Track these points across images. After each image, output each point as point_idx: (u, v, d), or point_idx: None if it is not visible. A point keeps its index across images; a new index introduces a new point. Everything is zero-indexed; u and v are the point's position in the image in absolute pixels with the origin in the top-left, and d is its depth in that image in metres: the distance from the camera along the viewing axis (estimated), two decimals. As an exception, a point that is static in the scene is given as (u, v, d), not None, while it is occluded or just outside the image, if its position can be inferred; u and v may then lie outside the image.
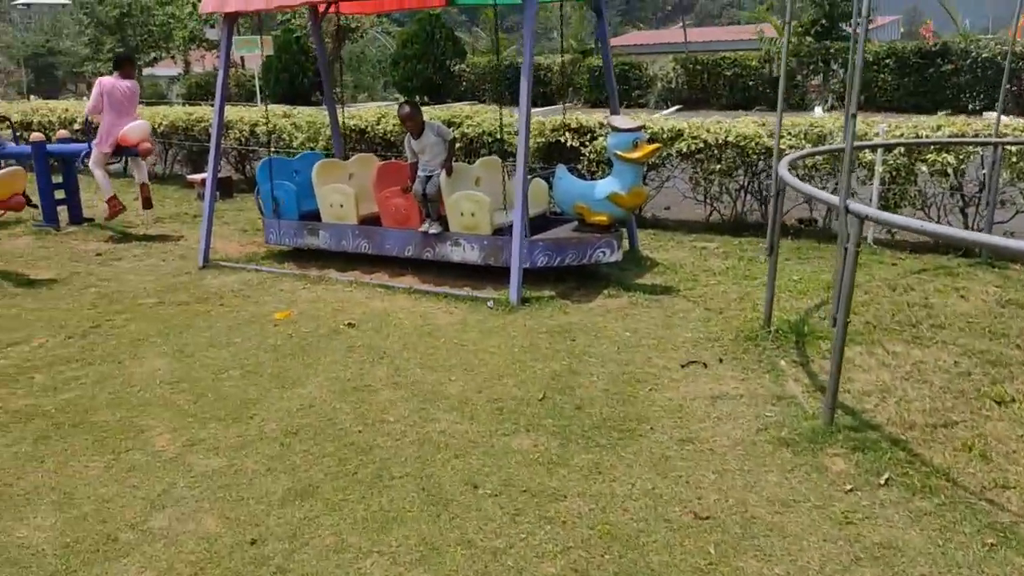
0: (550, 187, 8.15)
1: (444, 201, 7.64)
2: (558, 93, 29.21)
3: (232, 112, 12.99)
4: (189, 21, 40.39)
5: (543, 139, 10.00)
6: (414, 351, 5.91)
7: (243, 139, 12.67)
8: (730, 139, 9.08)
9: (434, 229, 7.69)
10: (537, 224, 7.93)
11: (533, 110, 25.13)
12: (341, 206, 8.20)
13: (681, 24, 34.33)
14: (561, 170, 7.61)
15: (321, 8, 9.20)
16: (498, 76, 30.43)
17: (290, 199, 8.48)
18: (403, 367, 5.62)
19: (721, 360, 5.56)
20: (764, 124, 9.32)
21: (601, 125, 9.86)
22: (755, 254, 8.43)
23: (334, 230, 8.28)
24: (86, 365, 5.85)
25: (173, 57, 44.03)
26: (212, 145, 8.65)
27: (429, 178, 7.71)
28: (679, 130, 9.39)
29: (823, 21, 26.28)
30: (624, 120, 7.29)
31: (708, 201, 9.79)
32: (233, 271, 8.30)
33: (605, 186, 7.25)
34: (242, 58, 39.53)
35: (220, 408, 5.06)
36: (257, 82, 34.98)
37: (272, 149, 12.27)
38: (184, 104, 36.65)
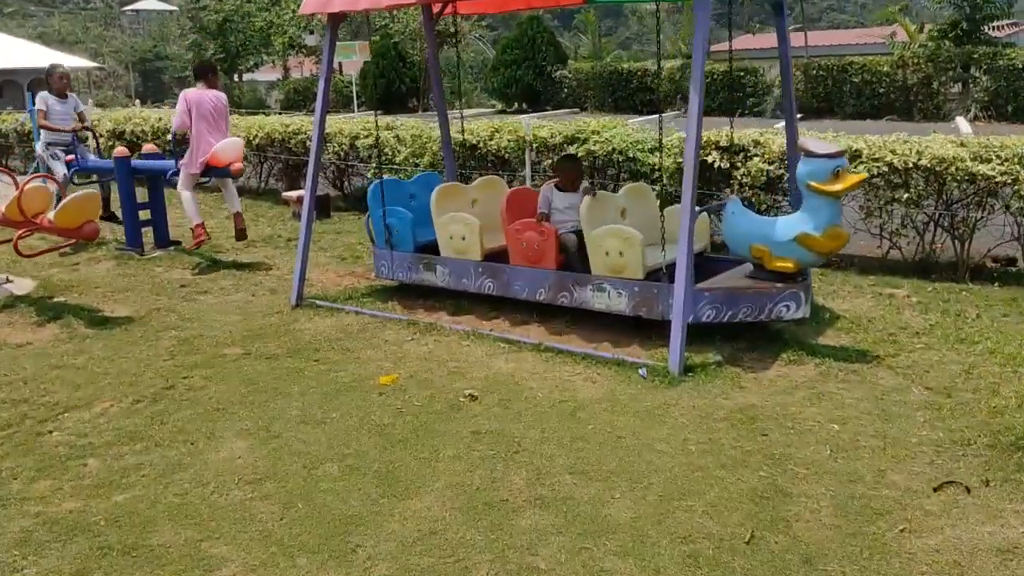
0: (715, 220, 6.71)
1: (584, 235, 6.34)
2: (664, 102, 27.60)
3: (330, 123, 11.95)
4: (288, 27, 40.17)
5: (678, 160, 8.57)
6: (558, 444, 4.58)
7: (342, 153, 11.59)
8: (922, 162, 7.49)
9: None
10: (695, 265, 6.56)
11: (637, 118, 23.33)
12: (463, 238, 6.95)
13: (799, 27, 32.22)
14: (735, 204, 6.18)
15: (436, 7, 7.98)
16: (601, 82, 29.04)
17: (404, 228, 7.29)
18: (546, 470, 4.30)
19: (987, 482, 4.05)
20: (963, 144, 7.69)
21: (757, 144, 8.38)
22: (960, 305, 6.83)
23: (454, 266, 7.05)
24: (152, 447, 4.72)
25: (273, 63, 44.05)
26: (311, 161, 7.51)
27: (578, 233, 6.48)
28: (856, 150, 7.83)
29: (963, 24, 24.03)
30: (820, 143, 5.82)
31: (885, 235, 8.20)
32: (330, 312, 7.14)
33: (792, 224, 5.80)
34: (340, 64, 39.04)
35: (313, 529, 3.82)
36: (354, 88, 34.41)
37: (374, 166, 11.18)
38: (281, 112, 36.58)
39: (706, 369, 5.55)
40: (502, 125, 10.16)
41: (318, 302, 7.38)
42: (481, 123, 10.51)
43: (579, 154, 9.18)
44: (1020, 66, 21.81)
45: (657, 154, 8.94)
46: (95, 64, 47.81)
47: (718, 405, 5.03)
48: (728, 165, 8.35)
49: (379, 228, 7.44)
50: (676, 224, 6.42)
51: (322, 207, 11.03)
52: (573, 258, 6.52)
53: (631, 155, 8.93)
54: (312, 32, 40.34)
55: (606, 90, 28.78)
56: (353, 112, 33.48)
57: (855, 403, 5.02)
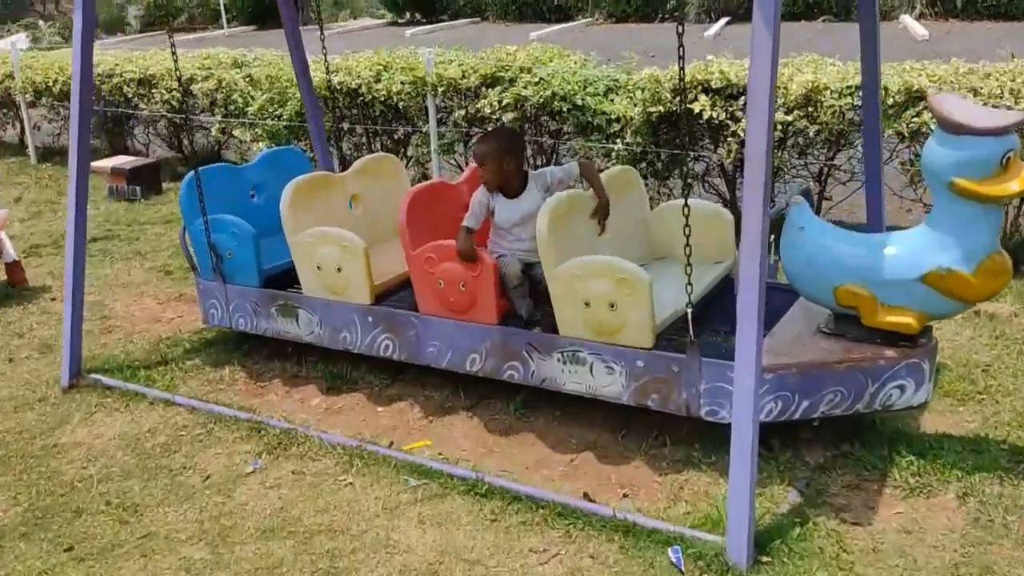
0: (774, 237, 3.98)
1: (546, 271, 3.71)
2: (575, 6, 24.62)
3: (157, 61, 8.75)
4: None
5: (657, 107, 5.93)
6: None
7: (175, 102, 8.45)
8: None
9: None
10: (710, 301, 4.04)
11: (545, 29, 19.97)
12: (339, 269, 4.22)
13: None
14: (801, 211, 3.57)
15: None
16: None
17: (244, 248, 4.47)
18: None
19: None
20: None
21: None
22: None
23: (327, 312, 4.33)
24: None
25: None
26: (73, 118, 4.50)
27: (533, 265, 3.81)
28: (917, 90, 5.33)
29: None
30: (975, 108, 3.23)
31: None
32: (124, 401, 4.33)
33: (919, 252, 3.26)
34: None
35: None
36: (221, 1, 30.13)
37: (219, 121, 8.15)
38: (141, 33, 31.94)
39: (787, 541, 3.05)
40: (392, 58, 7.24)
41: (104, 379, 4.53)
42: (363, 55, 7.55)
43: (504, 102, 6.42)
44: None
45: (615, 98, 6.28)
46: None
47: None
48: (724, 115, 5.75)
49: (201, 249, 4.63)
50: (704, 236, 3.91)
51: (149, 181, 8.00)
52: (522, 302, 3.91)
53: (579, 101, 6.23)
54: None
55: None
56: (223, 29, 29.41)
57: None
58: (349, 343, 4.29)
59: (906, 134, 5.33)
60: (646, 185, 6.22)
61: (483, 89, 6.65)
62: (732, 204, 6.30)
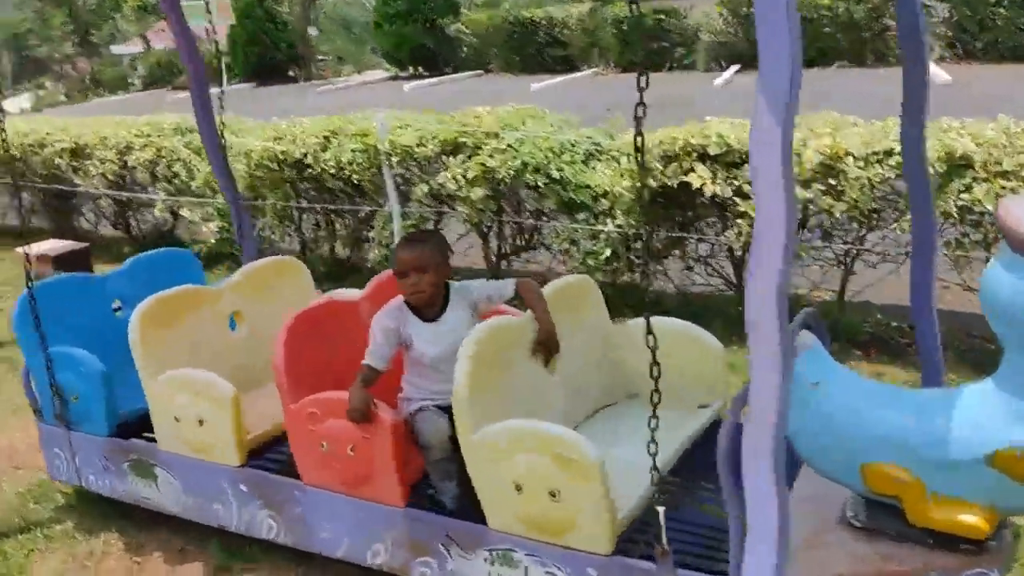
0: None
1: (460, 440, 2.64)
2: (580, 57, 23.85)
3: (91, 128, 7.83)
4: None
5: (646, 180, 4.90)
6: None
7: (111, 175, 7.51)
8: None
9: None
10: (692, 454, 2.96)
11: (547, 80, 19.04)
12: (201, 423, 3.18)
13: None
14: (815, 356, 2.47)
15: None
16: (503, 37, 25.04)
17: (93, 389, 3.45)
18: None
19: None
20: None
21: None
22: None
23: (190, 476, 3.29)
24: None
25: (137, 34, 38.61)
26: None
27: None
28: (962, 156, 4.27)
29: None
30: None
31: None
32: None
33: (984, 422, 2.17)
34: (207, 30, 33.94)
35: None
36: (222, 60, 29.63)
37: (162, 198, 7.22)
38: (143, 89, 31.57)
39: None
40: (342, 122, 6.27)
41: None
42: (312, 119, 6.59)
43: (472, 174, 5.42)
44: (985, -8, 18.72)
45: (597, 164, 5.28)
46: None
47: None
48: (729, 191, 4.70)
49: (43, 388, 3.60)
50: (683, 370, 2.84)
51: (78, 268, 7.02)
52: (447, 484, 2.83)
53: (554, 173, 5.22)
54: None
55: (511, 46, 24.81)
56: (223, 87, 28.89)
57: None
58: (222, 518, 3.24)
59: (955, 214, 4.26)
60: (642, 269, 5.21)
61: (444, 158, 5.66)
62: (739, 288, 5.25)
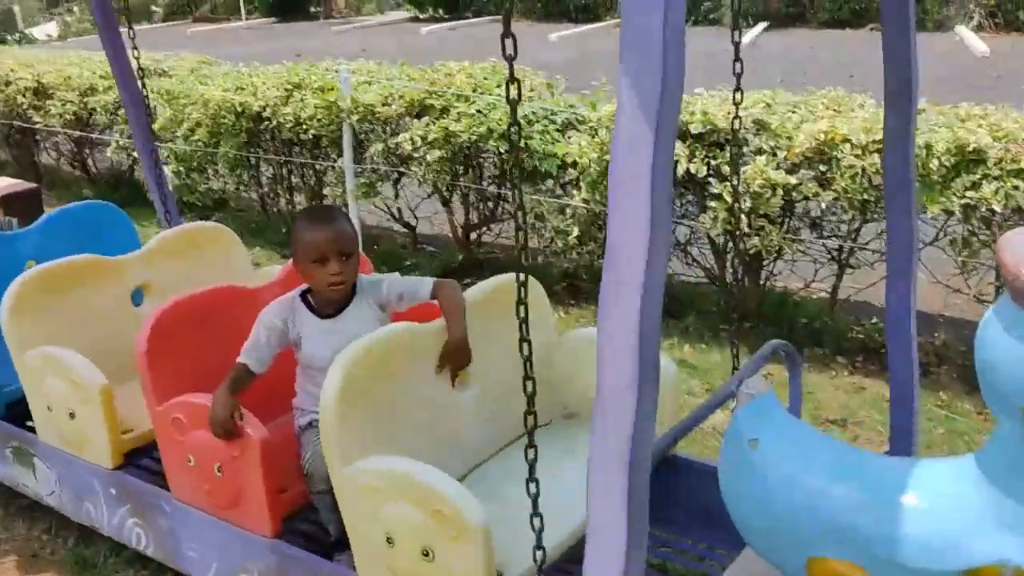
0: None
1: (331, 472, 2.24)
2: (603, 4, 23.03)
3: (54, 67, 7.36)
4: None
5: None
6: None
7: (69, 116, 7.08)
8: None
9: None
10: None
11: (568, 30, 18.23)
12: (72, 415, 2.81)
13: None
14: (762, 407, 2.04)
15: None
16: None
17: None
18: None
19: None
20: None
21: (762, 126, 4.24)
22: None
23: (66, 470, 2.93)
24: None
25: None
26: None
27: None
28: (974, 149, 3.77)
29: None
30: None
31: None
32: None
33: (965, 523, 1.72)
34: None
35: None
36: (240, -9, 28.98)
37: (117, 140, 6.82)
38: (164, 21, 30.92)
39: None
40: (306, 76, 5.79)
41: None
42: (272, 70, 6.13)
43: (432, 136, 4.97)
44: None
45: (571, 135, 4.82)
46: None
47: None
48: (705, 170, 4.22)
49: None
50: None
51: (28, 211, 6.64)
52: (333, 514, 2.44)
53: (526, 141, 4.76)
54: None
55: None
56: (241, 20, 28.27)
57: None
58: (94, 519, 2.89)
59: (957, 212, 3.79)
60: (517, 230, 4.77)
61: (408, 120, 5.20)
62: (722, 282, 4.81)
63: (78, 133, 7.20)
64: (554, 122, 4.93)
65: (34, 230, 3.63)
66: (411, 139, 5.03)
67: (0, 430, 3.11)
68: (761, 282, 4.69)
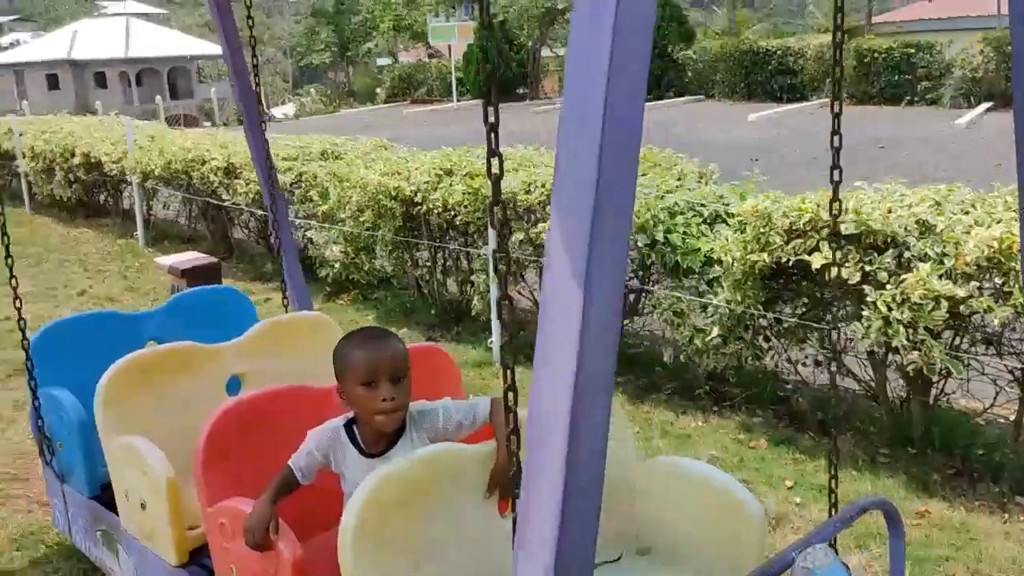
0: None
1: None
2: (810, 85, 22.27)
3: (243, 147, 7.91)
4: (398, 7, 36.70)
5: (760, 256, 4.03)
6: None
7: (258, 194, 7.55)
8: None
9: None
10: None
11: (768, 110, 17.73)
12: (143, 506, 2.81)
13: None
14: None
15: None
16: (731, 64, 23.84)
17: (72, 439, 3.14)
18: None
19: None
20: None
21: (926, 227, 3.74)
22: None
23: (142, 561, 2.92)
24: None
25: (390, 50, 40.96)
26: None
27: None
28: None
29: None
30: None
31: None
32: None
33: None
34: (450, 47, 35.14)
35: None
36: (453, 76, 30.62)
37: (298, 219, 7.15)
38: (386, 102, 33.17)
39: None
40: (458, 161, 5.82)
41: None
42: (428, 155, 6.21)
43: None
44: None
45: (722, 227, 4.48)
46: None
47: None
48: (858, 276, 3.75)
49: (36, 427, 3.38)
50: (713, 528, 2.22)
51: (207, 282, 7.09)
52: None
53: (659, 235, 4.47)
54: (438, 15, 36.48)
55: (737, 73, 23.65)
56: (452, 102, 29.77)
57: None
58: (164, 616, 2.84)
59: None
60: (755, 359, 4.35)
61: (550, 209, 5.05)
62: (883, 399, 4.25)
63: (259, 212, 7.63)
64: (700, 214, 4.62)
65: (160, 311, 3.74)
66: (549, 228, 4.86)
67: (90, 511, 3.16)
68: (930, 401, 4.09)
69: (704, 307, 4.54)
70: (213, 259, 7.36)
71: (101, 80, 39.05)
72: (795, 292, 4.32)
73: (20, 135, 11.58)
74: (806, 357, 4.61)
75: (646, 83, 1.17)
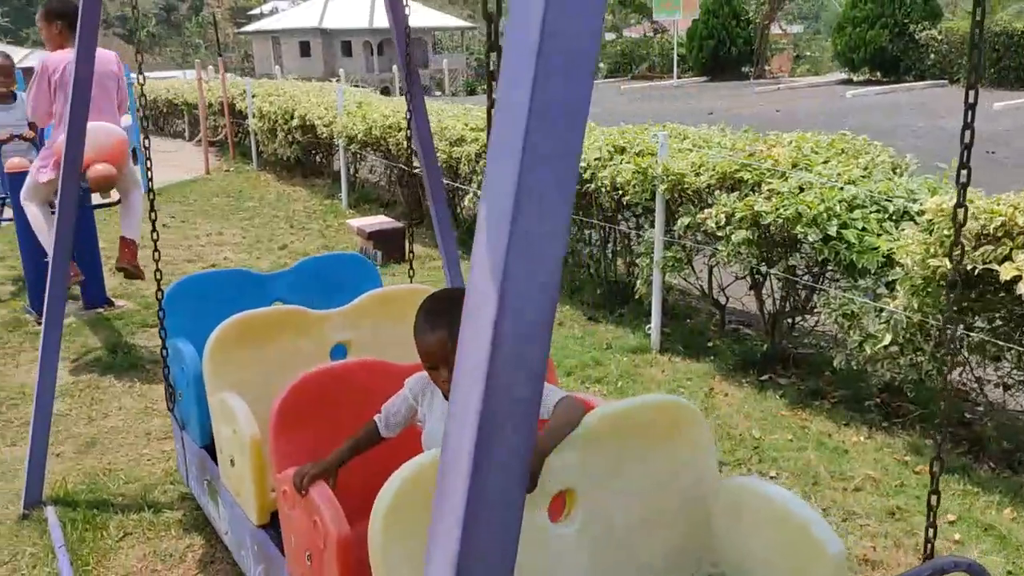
0: None
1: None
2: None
3: (440, 113, 8.04)
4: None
5: (943, 262, 3.55)
6: None
7: (445, 163, 7.68)
8: None
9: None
10: None
11: (1011, 99, 16.08)
12: (232, 463, 2.88)
13: None
14: None
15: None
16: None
17: (190, 389, 3.26)
18: None
19: None
20: None
21: None
22: None
23: (230, 512, 3.00)
24: None
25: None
26: None
27: None
28: None
29: None
30: None
31: None
32: (49, 556, 3.43)
33: None
34: (676, 22, 34.26)
35: None
36: (675, 51, 29.89)
37: (475, 190, 7.23)
38: (605, 77, 32.98)
39: None
40: (632, 139, 5.59)
41: (52, 518, 3.64)
42: (603, 131, 5.99)
43: (740, 214, 4.46)
44: None
45: (909, 225, 4.01)
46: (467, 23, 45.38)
47: None
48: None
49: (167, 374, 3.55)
50: (785, 558, 1.93)
51: (392, 246, 7.29)
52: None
53: (832, 230, 4.05)
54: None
55: (987, 57, 21.40)
56: (673, 79, 29.09)
57: None
58: (245, 569, 2.90)
59: None
60: (938, 374, 3.88)
61: (716, 192, 4.73)
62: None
63: (446, 181, 7.73)
64: (885, 209, 4.15)
65: (287, 273, 3.80)
66: (716, 216, 4.55)
67: (200, 460, 3.28)
68: None
69: (879, 311, 4.08)
70: (398, 223, 7.56)
71: (347, 49, 41.22)
72: (989, 303, 3.78)
73: (253, 96, 12.45)
74: (1000, 378, 4.05)
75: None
